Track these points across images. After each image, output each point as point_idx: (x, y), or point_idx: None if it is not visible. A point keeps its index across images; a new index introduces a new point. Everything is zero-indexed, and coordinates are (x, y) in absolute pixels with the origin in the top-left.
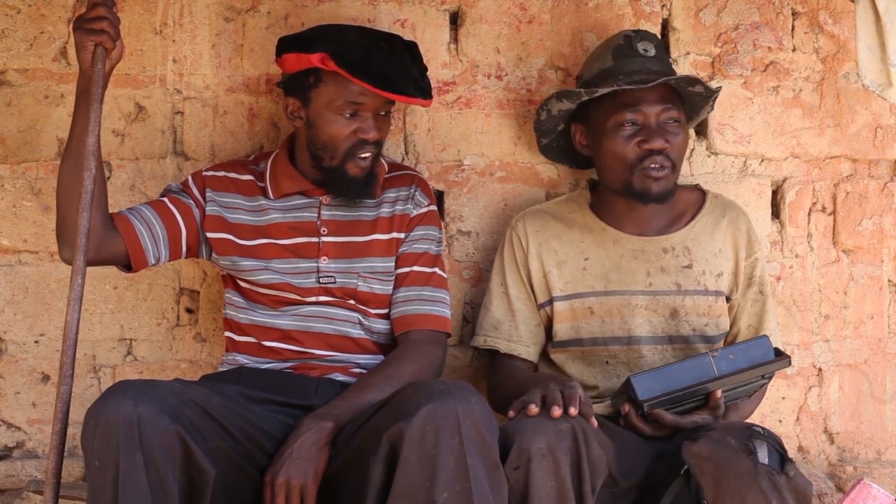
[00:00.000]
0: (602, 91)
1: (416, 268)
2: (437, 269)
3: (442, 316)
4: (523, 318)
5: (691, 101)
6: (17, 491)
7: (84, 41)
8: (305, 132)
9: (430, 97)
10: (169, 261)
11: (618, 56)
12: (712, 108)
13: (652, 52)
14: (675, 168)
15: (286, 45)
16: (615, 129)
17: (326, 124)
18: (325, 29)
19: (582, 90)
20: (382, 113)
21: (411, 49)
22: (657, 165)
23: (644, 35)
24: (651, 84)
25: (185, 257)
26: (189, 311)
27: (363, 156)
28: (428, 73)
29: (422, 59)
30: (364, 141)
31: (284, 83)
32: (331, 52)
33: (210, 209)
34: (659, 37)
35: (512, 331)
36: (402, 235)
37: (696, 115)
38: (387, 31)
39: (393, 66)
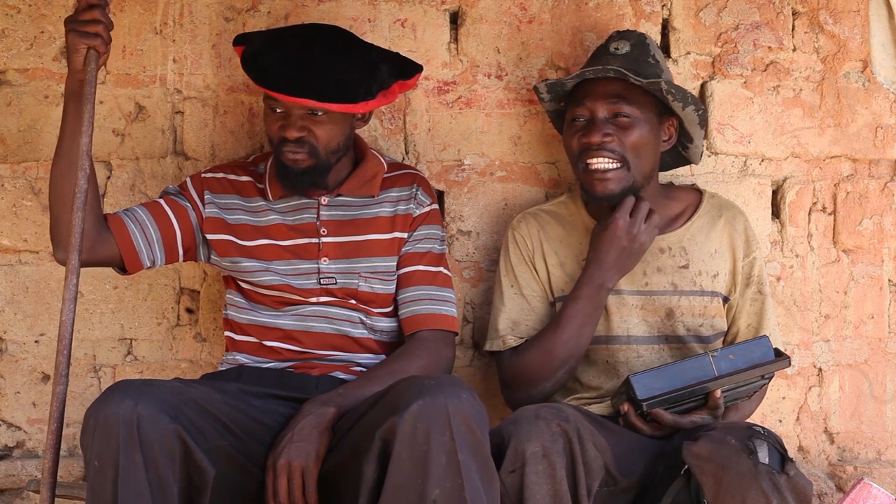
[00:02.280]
0: (541, 86)
1: (420, 267)
2: (441, 268)
3: (450, 315)
4: (539, 317)
5: (666, 99)
6: (17, 491)
7: (77, 44)
8: None
9: (346, 102)
10: (166, 263)
11: (592, 55)
12: (697, 109)
13: (624, 51)
14: (627, 164)
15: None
16: (569, 124)
17: (264, 116)
18: (268, 29)
19: (535, 86)
20: (317, 113)
21: (359, 48)
22: (597, 160)
23: (625, 35)
24: (570, 77)
25: (184, 260)
26: (189, 310)
27: (287, 152)
28: (400, 79)
29: (383, 63)
30: (284, 139)
31: None
32: (245, 47)
33: (209, 211)
34: (659, 37)
35: (529, 330)
36: (405, 235)
37: (685, 118)
38: (339, 29)
39: (295, 66)
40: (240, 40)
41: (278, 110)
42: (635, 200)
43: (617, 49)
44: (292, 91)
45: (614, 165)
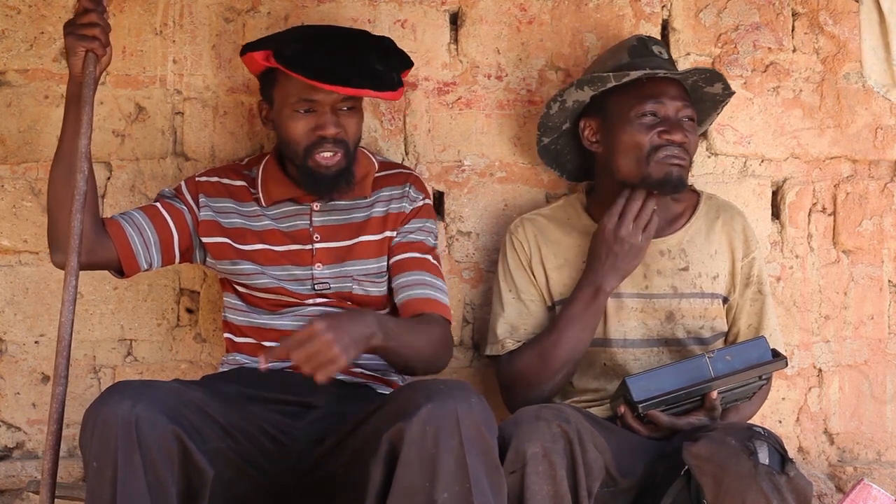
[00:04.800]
0: (635, 75)
1: (411, 254)
2: (429, 257)
3: (444, 303)
4: (537, 321)
5: (701, 106)
6: (17, 491)
7: (75, 47)
8: (276, 134)
9: (391, 90)
10: (162, 266)
11: (634, 54)
12: (717, 115)
13: (665, 56)
14: (691, 164)
15: (242, 49)
16: (637, 118)
17: (286, 122)
18: (283, 31)
19: (610, 74)
20: (345, 108)
21: (380, 44)
22: (677, 159)
23: (656, 40)
24: (681, 73)
25: (180, 262)
26: (189, 311)
27: (324, 154)
28: (408, 68)
29: (394, 54)
30: (322, 138)
31: (259, 89)
32: (273, 50)
33: (204, 214)
34: (659, 37)
35: (527, 335)
36: (395, 233)
37: (702, 123)
38: (354, 28)
39: (339, 60)
40: (257, 46)
41: (303, 111)
42: (626, 201)
43: (661, 52)
44: (347, 83)
45: (686, 162)
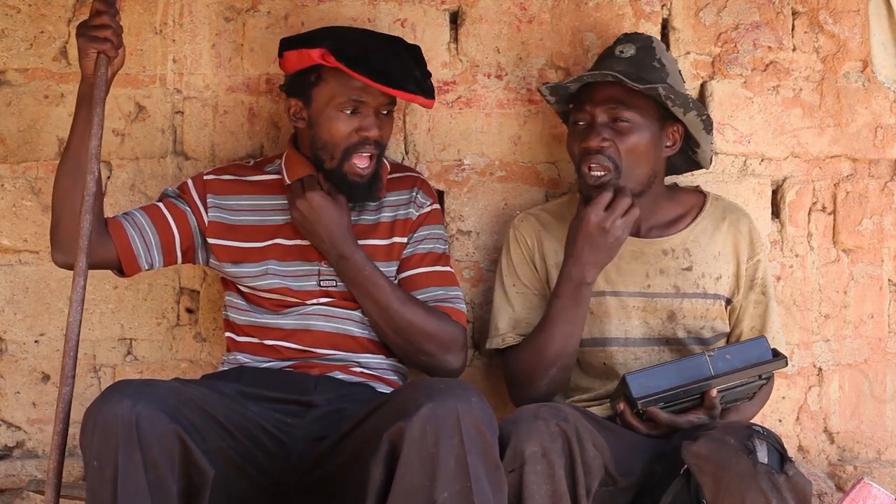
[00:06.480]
0: (543, 91)
1: (421, 269)
2: (443, 267)
3: (457, 308)
4: (542, 314)
5: (665, 104)
6: (17, 491)
7: (87, 48)
8: (307, 133)
9: (432, 98)
10: (165, 266)
11: (599, 57)
12: (700, 114)
13: (629, 54)
14: (619, 170)
15: (288, 44)
16: (571, 127)
17: (328, 122)
18: (328, 29)
19: (538, 88)
20: (384, 112)
21: (414, 51)
22: (594, 165)
23: (631, 37)
24: (570, 81)
25: (182, 262)
26: (189, 310)
27: (363, 155)
28: (431, 77)
29: (425, 63)
30: (365, 139)
31: (286, 84)
32: (331, 48)
33: (212, 215)
34: (659, 37)
35: (530, 328)
36: (405, 240)
37: (688, 124)
38: (389, 33)
39: (393, 64)
40: (299, 43)
41: (349, 111)
42: (615, 195)
43: (622, 52)
44: (403, 87)
45: (610, 172)
